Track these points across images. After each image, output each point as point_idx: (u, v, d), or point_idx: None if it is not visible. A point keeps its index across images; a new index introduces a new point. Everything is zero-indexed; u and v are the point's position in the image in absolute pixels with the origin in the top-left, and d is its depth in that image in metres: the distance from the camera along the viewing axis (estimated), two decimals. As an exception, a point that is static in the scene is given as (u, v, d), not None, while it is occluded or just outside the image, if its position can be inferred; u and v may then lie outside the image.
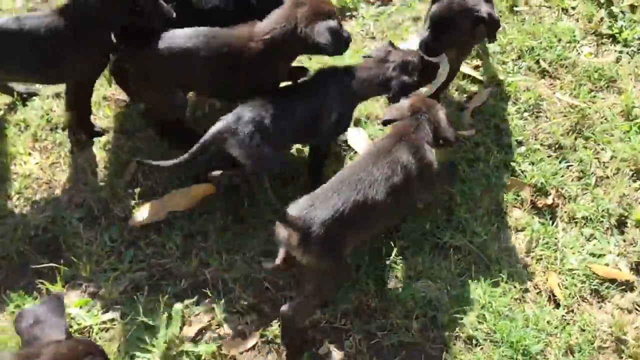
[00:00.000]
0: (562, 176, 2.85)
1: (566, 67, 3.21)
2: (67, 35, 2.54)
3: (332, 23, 2.51)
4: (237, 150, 2.41)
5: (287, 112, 2.49)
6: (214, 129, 2.43)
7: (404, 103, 2.51)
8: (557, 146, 2.96)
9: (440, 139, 2.50)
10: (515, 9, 3.39)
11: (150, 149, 2.87)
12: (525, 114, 3.07)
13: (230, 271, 2.60)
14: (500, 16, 3.11)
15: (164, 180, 2.83)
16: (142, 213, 2.70)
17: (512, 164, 2.90)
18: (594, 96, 3.12)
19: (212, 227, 2.70)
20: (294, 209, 2.17)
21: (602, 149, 2.93)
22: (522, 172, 2.88)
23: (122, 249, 2.66)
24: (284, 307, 2.29)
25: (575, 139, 2.98)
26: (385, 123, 2.53)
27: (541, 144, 2.97)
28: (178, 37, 2.55)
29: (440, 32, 2.59)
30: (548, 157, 2.93)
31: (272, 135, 2.44)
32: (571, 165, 2.89)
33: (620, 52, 3.28)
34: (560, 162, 2.90)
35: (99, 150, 2.92)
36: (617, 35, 3.33)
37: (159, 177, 2.84)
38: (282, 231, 2.18)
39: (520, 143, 2.97)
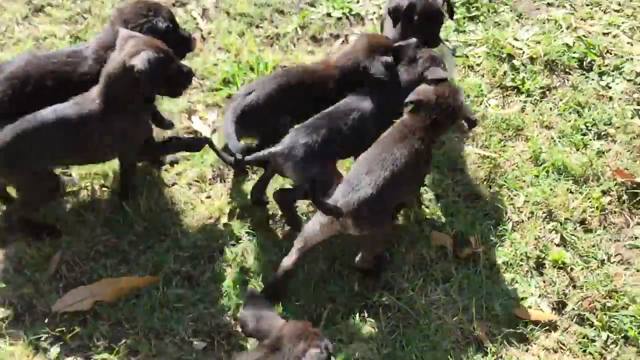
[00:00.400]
0: (481, 224, 2.95)
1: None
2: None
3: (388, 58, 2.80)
4: (292, 174, 2.69)
5: (336, 132, 2.70)
6: (271, 150, 2.65)
7: (429, 87, 2.72)
8: (474, 196, 3.08)
9: (464, 120, 2.76)
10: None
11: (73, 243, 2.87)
12: (443, 168, 3.19)
13: (161, 356, 2.56)
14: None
15: (89, 270, 2.81)
16: (66, 298, 2.65)
17: (434, 217, 3.00)
18: (504, 145, 3.29)
19: (139, 312, 2.67)
20: (341, 199, 2.48)
21: (515, 195, 3.07)
22: (444, 224, 2.97)
23: (47, 346, 2.59)
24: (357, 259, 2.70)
25: (490, 187, 3.11)
26: (411, 103, 2.68)
27: (459, 196, 3.08)
28: None
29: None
30: (466, 207, 3.04)
31: (323, 156, 2.67)
32: (488, 214, 3.01)
33: (525, 102, 3.49)
34: (478, 212, 3.01)
35: (21, 243, 2.88)
36: (520, 86, 3.55)
37: (84, 266, 2.81)
38: (323, 223, 2.54)
39: (439, 197, 3.08)
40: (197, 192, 3.09)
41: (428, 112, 2.65)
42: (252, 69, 3.57)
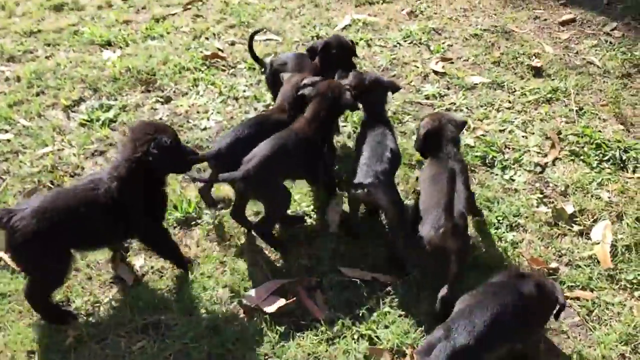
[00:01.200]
0: (415, 332, 3.00)
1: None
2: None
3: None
4: (383, 199, 3.12)
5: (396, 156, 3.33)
6: (361, 179, 3.08)
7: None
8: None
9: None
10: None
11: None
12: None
13: None
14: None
15: None
16: None
17: (369, 331, 3.02)
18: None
19: None
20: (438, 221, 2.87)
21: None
22: (379, 338, 2.99)
23: None
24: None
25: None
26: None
27: (390, 306, 3.14)
28: None
29: None
30: (399, 316, 3.09)
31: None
32: (419, 321, 3.06)
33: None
34: (410, 319, 3.06)
35: None
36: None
37: None
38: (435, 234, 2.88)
39: (371, 309, 3.12)
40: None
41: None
42: (175, 207, 3.63)
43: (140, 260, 3.38)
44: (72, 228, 2.87)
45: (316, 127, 3.35)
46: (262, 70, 4.36)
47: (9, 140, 4.26)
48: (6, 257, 3.35)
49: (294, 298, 3.11)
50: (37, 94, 4.73)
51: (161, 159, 2.95)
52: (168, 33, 5.53)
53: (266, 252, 3.40)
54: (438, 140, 3.27)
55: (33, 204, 2.84)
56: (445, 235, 2.84)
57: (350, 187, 3.20)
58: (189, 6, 5.96)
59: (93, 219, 2.91)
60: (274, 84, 4.03)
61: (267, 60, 4.34)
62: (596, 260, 3.28)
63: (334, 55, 3.84)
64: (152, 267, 3.35)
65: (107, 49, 5.32)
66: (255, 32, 4.61)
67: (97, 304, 3.16)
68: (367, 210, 3.57)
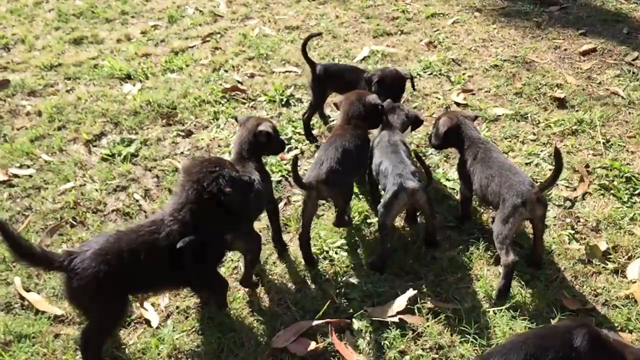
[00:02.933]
0: (449, 376, 2.91)
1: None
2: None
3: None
4: (424, 200, 3.35)
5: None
6: (403, 185, 3.26)
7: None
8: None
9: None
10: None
11: None
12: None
13: None
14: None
15: None
16: None
17: None
18: (457, 287, 3.33)
19: None
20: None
21: (477, 336, 3.06)
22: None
23: None
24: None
25: (451, 335, 3.10)
26: None
27: (422, 349, 3.04)
28: None
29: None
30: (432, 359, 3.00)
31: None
32: (454, 363, 2.98)
33: (466, 240, 3.60)
34: None
35: None
36: (460, 225, 3.69)
37: None
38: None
39: (403, 352, 3.03)
40: None
41: None
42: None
43: (165, 300, 3.32)
44: (132, 272, 2.76)
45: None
46: (312, 72, 4.38)
47: (30, 176, 4.24)
48: (30, 297, 3.30)
49: (325, 341, 3.03)
50: (59, 129, 4.74)
51: (237, 193, 2.86)
52: (187, 66, 5.55)
53: (294, 291, 3.33)
54: (461, 134, 3.58)
55: (94, 247, 2.75)
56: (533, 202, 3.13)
57: (396, 197, 3.28)
58: (208, 39, 6.00)
59: (154, 264, 2.80)
60: (320, 90, 4.33)
61: (318, 66, 4.39)
62: (633, 300, 3.18)
63: (387, 86, 4.03)
64: (177, 307, 3.28)
65: (127, 82, 5.34)
66: (313, 35, 4.71)
67: (123, 347, 3.08)
68: (406, 217, 3.69)
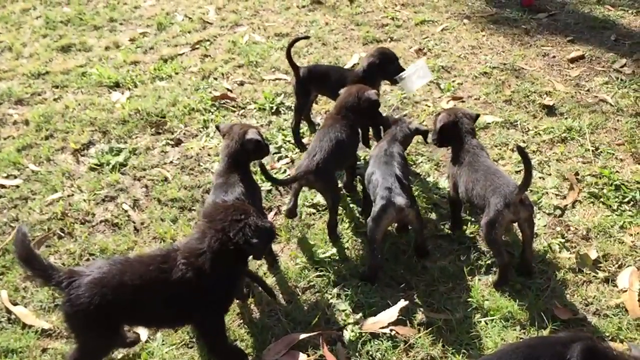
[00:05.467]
0: (441, 388, 2.89)
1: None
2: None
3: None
4: (413, 215, 3.33)
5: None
6: (391, 200, 3.23)
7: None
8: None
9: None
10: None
11: None
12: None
13: None
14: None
15: None
16: None
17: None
18: (448, 298, 3.32)
19: None
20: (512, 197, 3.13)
21: (468, 347, 3.05)
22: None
23: None
24: None
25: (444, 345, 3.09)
26: None
27: None
28: None
29: None
30: (423, 370, 2.99)
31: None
32: (446, 375, 2.97)
33: (457, 250, 3.59)
34: (435, 374, 2.97)
35: None
36: (451, 234, 3.68)
37: None
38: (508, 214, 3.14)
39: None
40: None
41: None
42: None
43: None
44: (130, 306, 2.65)
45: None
46: (296, 75, 4.32)
47: (17, 187, 4.19)
48: (17, 310, 3.26)
49: (316, 353, 3.01)
50: (46, 138, 4.69)
51: (263, 243, 2.79)
52: (176, 73, 5.51)
53: (284, 302, 3.31)
54: (457, 132, 3.53)
55: (95, 273, 2.62)
56: (516, 205, 3.13)
57: (384, 212, 3.24)
58: (197, 46, 5.97)
59: (155, 301, 2.67)
60: (304, 93, 4.30)
61: (302, 69, 4.34)
62: (624, 309, 3.19)
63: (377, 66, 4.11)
64: (166, 320, 3.24)
65: (115, 90, 5.30)
66: (299, 39, 4.65)
67: (112, 361, 3.05)
68: (396, 228, 3.67)
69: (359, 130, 3.89)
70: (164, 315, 2.76)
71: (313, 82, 4.30)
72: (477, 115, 3.72)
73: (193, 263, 2.68)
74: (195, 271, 2.67)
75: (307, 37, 5.13)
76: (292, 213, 3.68)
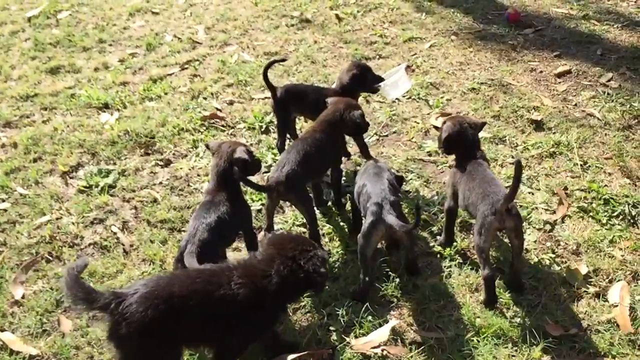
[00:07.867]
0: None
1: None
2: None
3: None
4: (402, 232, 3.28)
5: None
6: (381, 217, 3.23)
7: None
8: (421, 377, 3.03)
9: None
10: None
11: None
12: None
13: None
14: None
15: None
16: None
17: None
18: (439, 316, 3.30)
19: None
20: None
21: (461, 369, 3.04)
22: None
23: None
24: None
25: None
26: None
27: (406, 379, 3.02)
28: None
29: None
30: (416, 390, 2.96)
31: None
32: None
33: (449, 266, 3.59)
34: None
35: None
36: (442, 251, 3.67)
37: None
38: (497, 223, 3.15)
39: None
40: None
41: None
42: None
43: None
44: (180, 318, 2.55)
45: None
46: (273, 96, 4.33)
47: (5, 210, 4.16)
48: (4, 336, 3.21)
49: (307, 374, 2.98)
50: (34, 160, 4.66)
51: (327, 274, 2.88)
52: (166, 94, 5.52)
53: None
54: (461, 141, 3.53)
55: (140, 289, 2.53)
56: (502, 215, 3.12)
57: (374, 228, 3.24)
58: (186, 66, 5.98)
59: (198, 315, 2.59)
60: (283, 113, 4.32)
61: (279, 88, 4.35)
62: (616, 324, 3.18)
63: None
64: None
65: (104, 111, 5.29)
66: (275, 61, 4.64)
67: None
68: (386, 246, 3.66)
69: (338, 142, 3.94)
70: (199, 329, 2.65)
71: (291, 102, 4.30)
72: (484, 124, 3.70)
73: (252, 283, 2.66)
74: (250, 292, 2.63)
75: (284, 60, 5.13)
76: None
